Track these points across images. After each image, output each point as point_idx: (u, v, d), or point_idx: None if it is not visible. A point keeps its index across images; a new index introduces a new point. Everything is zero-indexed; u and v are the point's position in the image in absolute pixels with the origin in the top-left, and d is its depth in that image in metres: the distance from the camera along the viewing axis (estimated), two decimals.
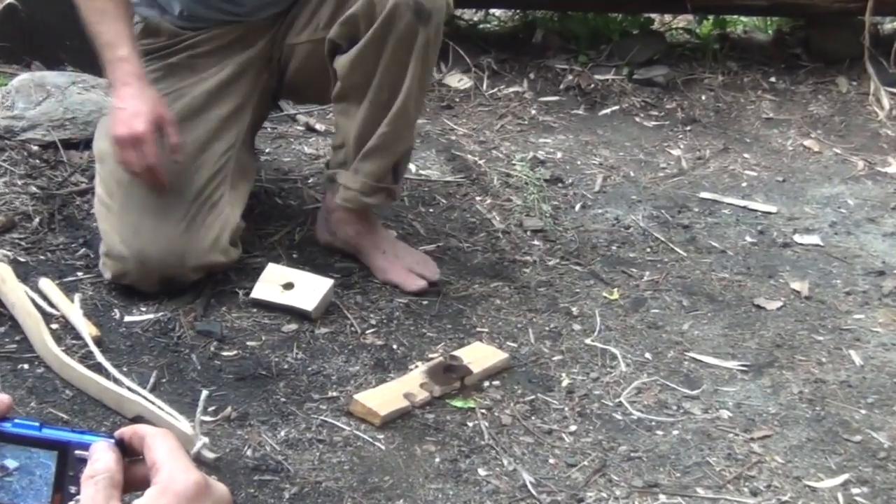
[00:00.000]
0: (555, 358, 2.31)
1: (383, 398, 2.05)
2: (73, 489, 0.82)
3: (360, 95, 2.31)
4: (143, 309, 2.30)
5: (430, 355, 2.26)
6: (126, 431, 0.88)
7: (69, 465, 0.81)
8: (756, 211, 3.01)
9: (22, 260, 2.39)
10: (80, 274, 2.37)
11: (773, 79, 3.85)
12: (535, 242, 2.76)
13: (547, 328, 2.41)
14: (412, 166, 2.98)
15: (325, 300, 2.33)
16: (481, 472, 1.96)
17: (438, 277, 2.48)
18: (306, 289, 2.31)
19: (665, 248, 2.79)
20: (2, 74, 3.09)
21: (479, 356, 2.23)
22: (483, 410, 2.12)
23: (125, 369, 2.10)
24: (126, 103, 2.15)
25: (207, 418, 1.99)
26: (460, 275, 2.58)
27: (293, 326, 2.28)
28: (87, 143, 2.70)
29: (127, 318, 2.27)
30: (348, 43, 2.30)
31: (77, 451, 0.82)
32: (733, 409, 2.19)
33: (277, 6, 2.43)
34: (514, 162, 3.12)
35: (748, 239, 2.87)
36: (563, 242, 2.77)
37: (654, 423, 2.13)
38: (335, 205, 2.46)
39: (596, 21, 3.93)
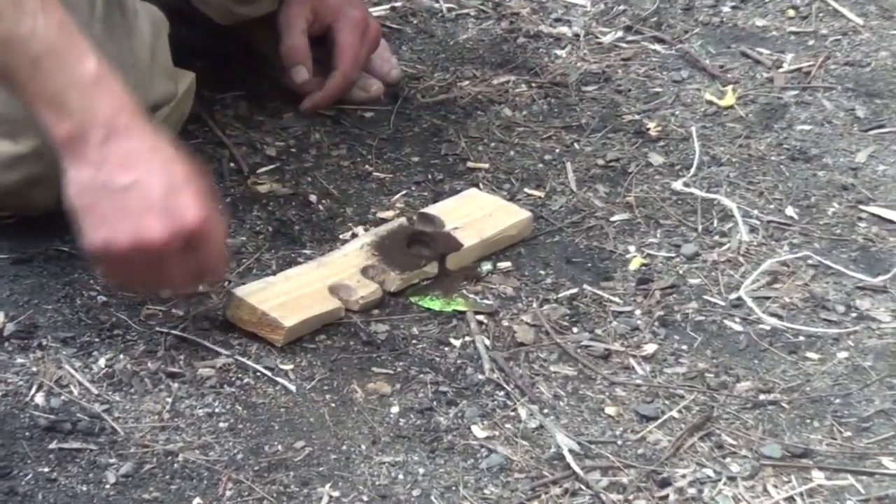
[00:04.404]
0: (615, 218, 2.34)
1: (291, 296, 2.07)
2: None
3: None
4: None
5: (381, 215, 2.29)
6: None
7: None
8: None
9: None
10: None
11: None
12: (576, 0, 2.79)
13: (599, 161, 2.46)
14: None
15: (181, 112, 2.34)
16: (478, 431, 1.96)
17: (397, 73, 2.56)
18: None
19: (823, 9, 2.83)
20: None
21: (473, 215, 2.24)
22: (482, 317, 2.13)
23: None
24: (138, 169, 1.96)
25: None
26: (436, 61, 2.66)
27: None
28: None
29: None
30: None
31: None
32: None
33: None
34: None
35: None
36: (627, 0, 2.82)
37: (801, 339, 2.14)
38: None
39: None
